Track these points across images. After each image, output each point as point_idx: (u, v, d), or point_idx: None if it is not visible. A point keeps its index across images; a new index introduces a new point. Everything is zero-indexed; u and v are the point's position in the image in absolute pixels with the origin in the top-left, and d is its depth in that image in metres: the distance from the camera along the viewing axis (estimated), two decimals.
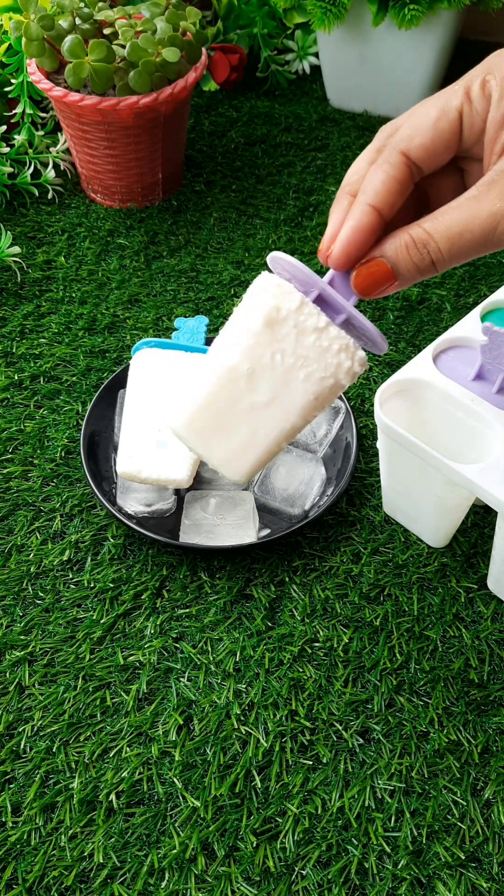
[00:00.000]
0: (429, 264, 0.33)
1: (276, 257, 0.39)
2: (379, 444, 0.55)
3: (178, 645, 0.53)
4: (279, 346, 0.39)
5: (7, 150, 0.86)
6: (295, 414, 0.40)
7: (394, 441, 0.52)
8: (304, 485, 0.59)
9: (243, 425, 0.41)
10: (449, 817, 0.46)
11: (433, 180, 0.37)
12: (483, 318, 0.58)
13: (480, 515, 0.60)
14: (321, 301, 0.39)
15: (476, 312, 0.58)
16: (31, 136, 0.87)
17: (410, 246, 0.33)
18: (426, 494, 0.53)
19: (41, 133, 0.89)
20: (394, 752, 0.49)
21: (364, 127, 1.01)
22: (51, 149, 0.89)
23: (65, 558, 0.58)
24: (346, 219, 0.35)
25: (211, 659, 0.53)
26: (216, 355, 0.40)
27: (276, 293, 0.38)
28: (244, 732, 0.49)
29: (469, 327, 0.57)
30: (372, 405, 0.68)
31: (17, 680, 0.52)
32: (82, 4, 0.78)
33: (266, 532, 0.58)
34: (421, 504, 0.55)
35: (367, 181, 0.34)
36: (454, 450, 0.53)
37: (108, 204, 0.88)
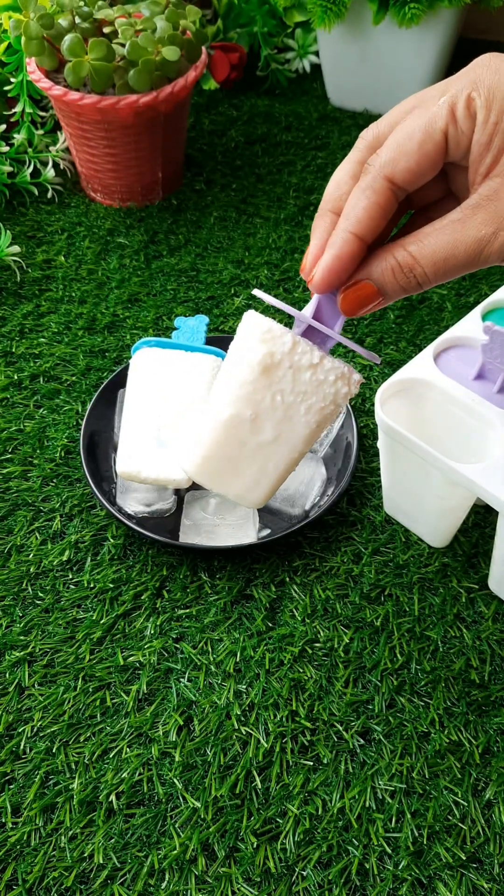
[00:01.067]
0: (415, 286, 0.34)
1: (261, 298, 0.40)
2: (379, 444, 0.54)
3: (178, 645, 0.53)
4: (278, 387, 0.40)
5: (6, 149, 0.86)
6: (300, 443, 0.42)
7: (394, 441, 0.51)
8: (305, 485, 0.59)
9: (253, 463, 0.42)
10: (450, 818, 0.46)
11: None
12: (484, 317, 0.58)
13: (481, 515, 0.60)
14: (310, 330, 0.40)
15: (477, 312, 0.58)
16: (30, 135, 0.87)
17: (396, 270, 0.33)
18: (427, 494, 0.53)
19: (41, 132, 0.88)
20: (394, 752, 0.49)
21: (364, 125, 1.00)
22: (50, 148, 0.89)
23: (64, 558, 0.58)
24: (328, 242, 0.35)
25: (211, 659, 0.53)
26: (219, 404, 0.41)
27: (266, 339, 0.39)
28: (244, 733, 0.49)
29: (470, 327, 0.56)
30: (372, 405, 0.68)
31: (16, 680, 0.52)
32: (82, 3, 0.78)
33: (266, 532, 0.58)
34: (421, 504, 0.55)
35: (349, 206, 0.34)
36: (455, 449, 0.53)
37: (108, 203, 0.88)
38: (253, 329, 0.39)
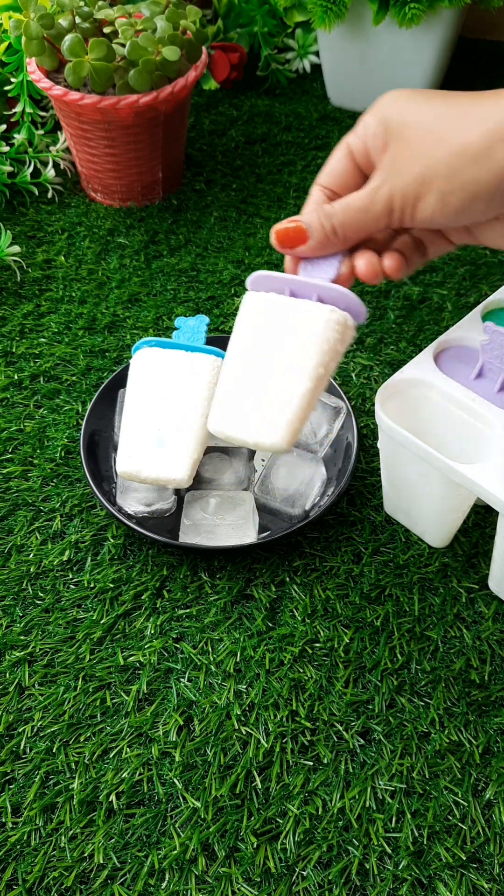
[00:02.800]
0: (330, 230, 0.43)
1: (253, 280, 0.48)
2: (380, 444, 0.54)
3: (178, 645, 0.53)
4: (271, 330, 0.47)
5: (7, 149, 0.86)
6: (310, 368, 0.46)
7: (394, 441, 0.51)
8: (305, 485, 0.59)
9: (267, 395, 0.46)
10: (450, 818, 0.46)
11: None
12: (484, 317, 0.58)
13: (482, 515, 0.60)
14: (303, 288, 0.47)
15: (477, 312, 0.58)
16: (30, 135, 0.87)
17: (321, 214, 0.43)
18: (427, 494, 0.53)
19: (41, 132, 0.88)
20: (395, 752, 0.49)
21: None
22: (51, 148, 0.89)
23: (65, 558, 0.58)
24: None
25: (211, 659, 0.53)
26: (228, 357, 0.47)
27: (258, 299, 0.47)
28: (245, 733, 0.49)
29: (470, 327, 0.56)
30: (373, 405, 0.68)
31: (16, 680, 0.52)
32: (82, 3, 0.78)
33: (266, 532, 0.58)
34: (422, 504, 0.55)
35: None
36: (455, 449, 0.53)
37: (108, 203, 0.88)
38: (247, 298, 0.47)
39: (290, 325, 0.48)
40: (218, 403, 0.47)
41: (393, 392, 0.54)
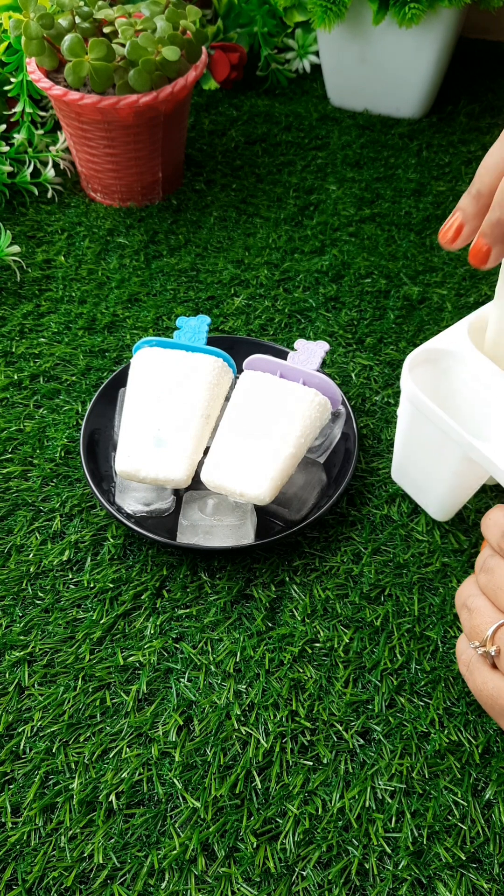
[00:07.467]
0: None
1: (249, 362, 0.61)
2: (399, 410, 0.53)
3: (178, 645, 0.53)
4: (263, 403, 0.58)
5: (6, 149, 0.86)
6: (294, 437, 0.56)
7: (416, 409, 0.50)
8: (303, 489, 0.59)
9: (255, 455, 0.55)
10: (450, 818, 0.46)
11: None
12: None
13: (483, 514, 0.60)
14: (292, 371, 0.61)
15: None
16: (30, 134, 0.87)
17: None
18: (440, 468, 0.52)
19: (41, 132, 0.88)
20: (394, 752, 0.49)
21: (364, 126, 1.00)
22: (50, 148, 0.89)
23: (64, 558, 0.58)
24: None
25: (211, 659, 0.53)
26: (224, 421, 0.58)
27: (253, 377, 0.60)
28: (244, 733, 0.49)
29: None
30: (373, 405, 0.68)
31: (16, 680, 0.52)
32: (82, 3, 0.78)
33: (264, 533, 0.58)
34: (432, 476, 0.54)
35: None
36: (476, 427, 0.52)
37: (108, 203, 0.88)
38: (242, 377, 0.61)
39: (280, 402, 0.58)
40: (212, 457, 0.56)
41: (422, 360, 0.52)
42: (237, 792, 0.47)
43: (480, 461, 0.48)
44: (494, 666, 0.40)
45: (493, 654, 0.39)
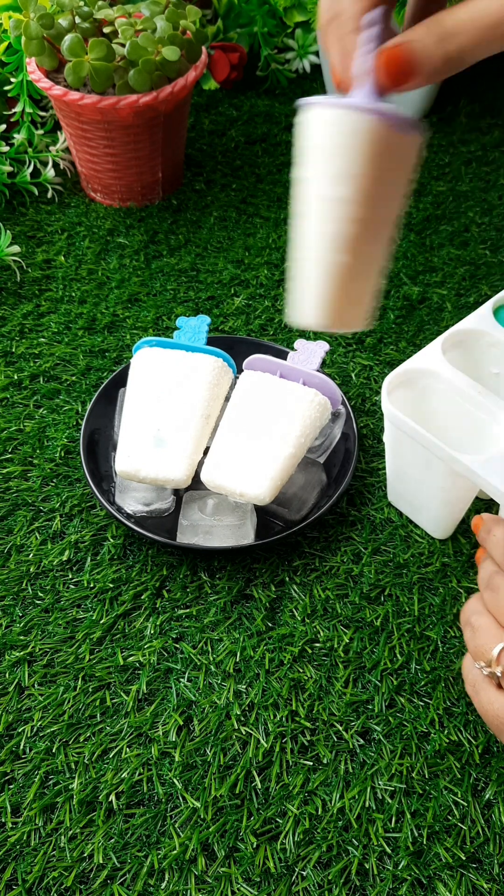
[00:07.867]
0: (455, 54, 0.33)
1: (249, 362, 0.62)
2: (385, 434, 0.54)
3: (178, 645, 0.53)
4: (263, 403, 0.59)
5: (7, 148, 0.86)
6: (294, 437, 0.57)
7: (399, 430, 0.51)
8: (303, 489, 0.59)
9: (256, 455, 0.56)
10: (449, 818, 0.46)
11: None
12: (496, 312, 0.57)
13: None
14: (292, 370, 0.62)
15: (488, 306, 0.57)
16: (30, 134, 0.87)
17: (436, 33, 0.32)
18: (430, 485, 0.53)
19: (41, 132, 0.88)
20: (394, 752, 0.49)
21: None
22: (50, 148, 0.89)
23: (64, 558, 0.58)
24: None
25: (211, 659, 0.53)
26: (224, 420, 0.60)
27: (253, 377, 0.60)
28: (244, 733, 0.49)
29: (479, 321, 0.56)
30: (373, 405, 0.68)
31: (16, 680, 0.52)
32: (82, 3, 0.78)
33: (264, 533, 0.58)
34: (424, 494, 0.55)
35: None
36: (460, 441, 0.53)
37: (108, 203, 0.88)
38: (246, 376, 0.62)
39: (280, 402, 0.58)
40: (212, 457, 0.56)
41: (400, 382, 0.53)
42: (237, 792, 0.47)
43: (466, 474, 0.49)
44: (500, 686, 0.39)
45: (499, 674, 0.39)
